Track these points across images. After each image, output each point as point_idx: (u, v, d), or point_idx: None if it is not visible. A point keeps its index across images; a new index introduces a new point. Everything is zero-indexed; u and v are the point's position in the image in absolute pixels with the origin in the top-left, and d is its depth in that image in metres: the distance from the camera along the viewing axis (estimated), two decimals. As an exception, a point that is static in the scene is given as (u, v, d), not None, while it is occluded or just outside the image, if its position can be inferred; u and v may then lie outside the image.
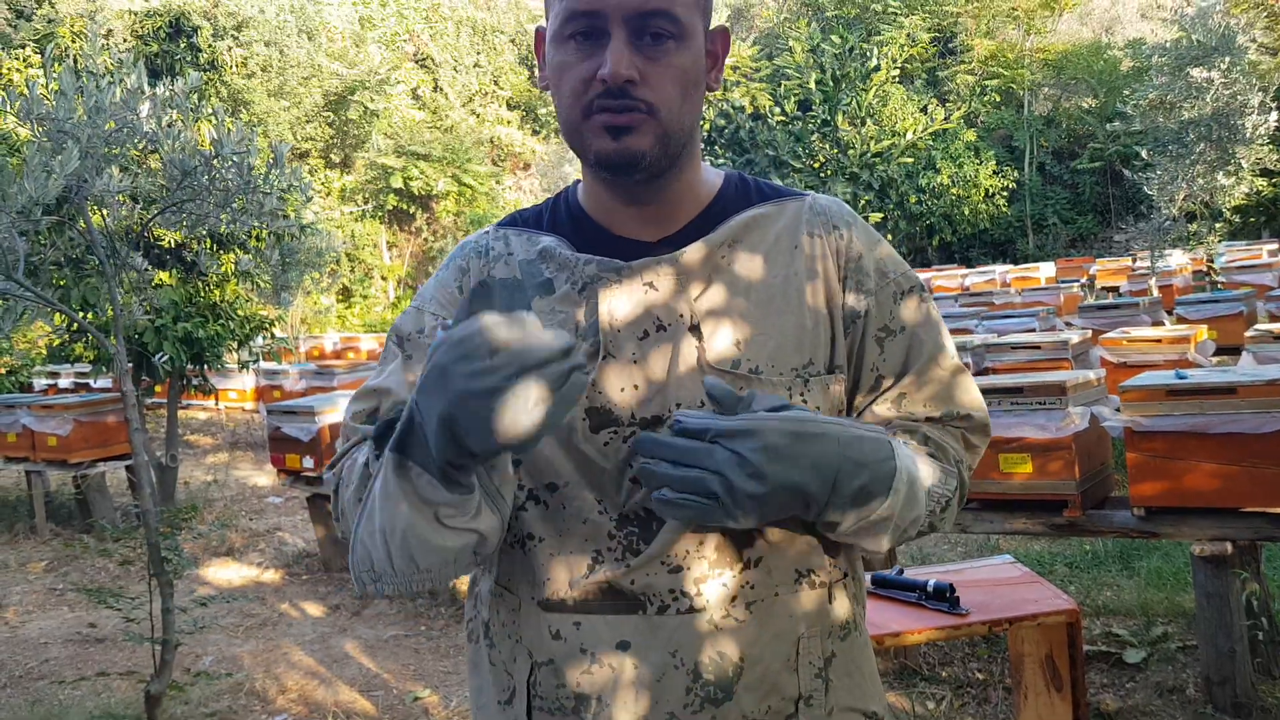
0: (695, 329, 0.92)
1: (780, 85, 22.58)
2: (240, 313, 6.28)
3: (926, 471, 0.91)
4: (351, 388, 8.28)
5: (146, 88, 2.68)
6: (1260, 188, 15.26)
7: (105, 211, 2.92)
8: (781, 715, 0.89)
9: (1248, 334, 4.67)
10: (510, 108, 27.24)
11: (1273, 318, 6.53)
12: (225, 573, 5.11)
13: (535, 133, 27.10)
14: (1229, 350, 5.94)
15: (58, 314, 2.99)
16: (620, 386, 0.91)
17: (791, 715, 0.90)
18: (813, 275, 0.96)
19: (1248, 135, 13.03)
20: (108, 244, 2.91)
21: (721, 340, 0.92)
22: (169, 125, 2.71)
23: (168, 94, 2.75)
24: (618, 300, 0.92)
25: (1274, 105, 13.51)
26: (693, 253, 0.94)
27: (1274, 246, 13.86)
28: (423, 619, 4.18)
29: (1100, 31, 25.17)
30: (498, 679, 0.97)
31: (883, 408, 0.97)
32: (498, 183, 24.98)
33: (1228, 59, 12.92)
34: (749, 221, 0.97)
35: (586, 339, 0.92)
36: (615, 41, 0.86)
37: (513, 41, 27.43)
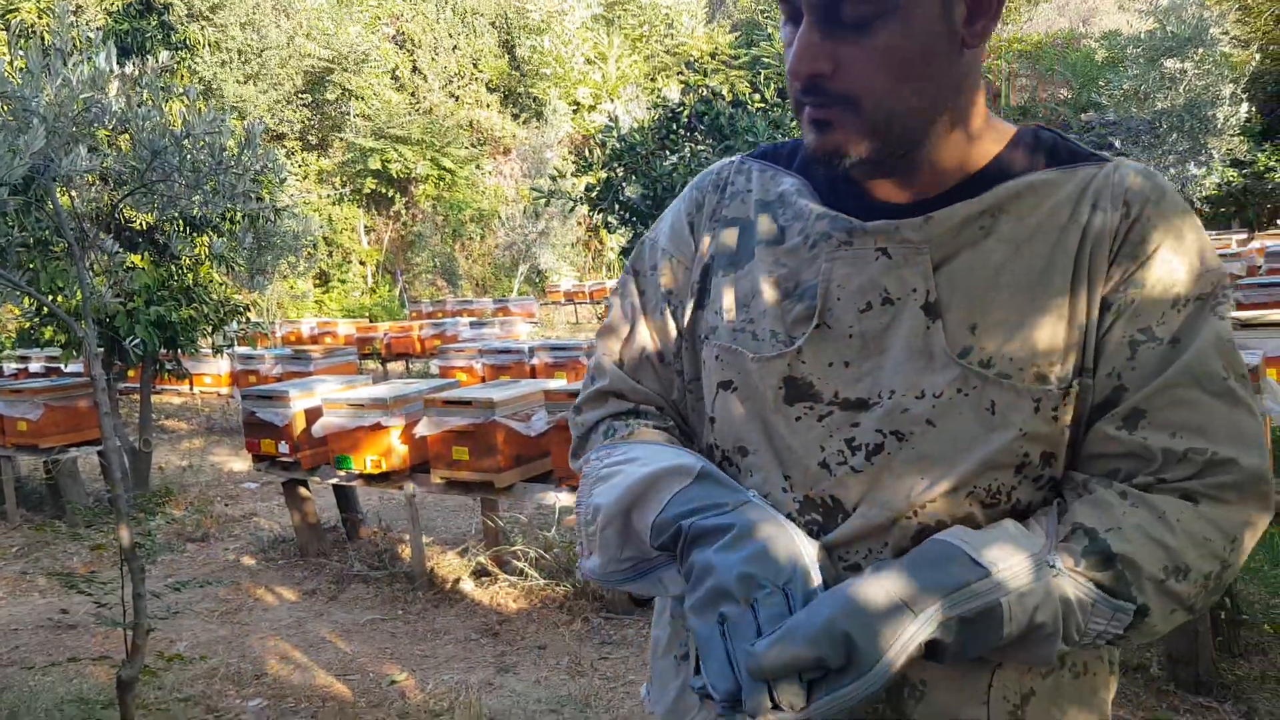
0: (930, 306, 0.79)
1: (760, 73, 22.60)
2: (214, 296, 6.22)
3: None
4: (328, 373, 8.17)
5: (115, 66, 2.64)
6: (1231, 178, 15.46)
7: (73, 192, 2.88)
8: None
9: (1216, 322, 4.74)
10: (490, 90, 27.03)
11: (1240, 306, 6.63)
12: (200, 558, 5.08)
13: (515, 117, 26.92)
14: (1198, 338, 6.02)
15: (26, 297, 2.95)
16: (829, 360, 0.81)
17: None
18: (1082, 258, 0.78)
19: (1219, 126, 13.21)
20: (76, 225, 2.87)
21: (955, 322, 0.78)
22: (139, 105, 2.68)
23: (137, 73, 2.71)
24: (843, 264, 0.82)
25: (1245, 96, 13.69)
26: (941, 219, 0.79)
27: (1243, 236, 14.09)
28: (399, 602, 4.18)
29: (1077, 22, 25.35)
30: (675, 633, 0.94)
31: (1109, 427, 0.77)
32: (478, 167, 24.81)
33: (1201, 50, 13.08)
34: (1022, 189, 0.80)
35: (802, 299, 0.84)
36: (804, 29, 0.76)
37: (492, 24, 27.19)
